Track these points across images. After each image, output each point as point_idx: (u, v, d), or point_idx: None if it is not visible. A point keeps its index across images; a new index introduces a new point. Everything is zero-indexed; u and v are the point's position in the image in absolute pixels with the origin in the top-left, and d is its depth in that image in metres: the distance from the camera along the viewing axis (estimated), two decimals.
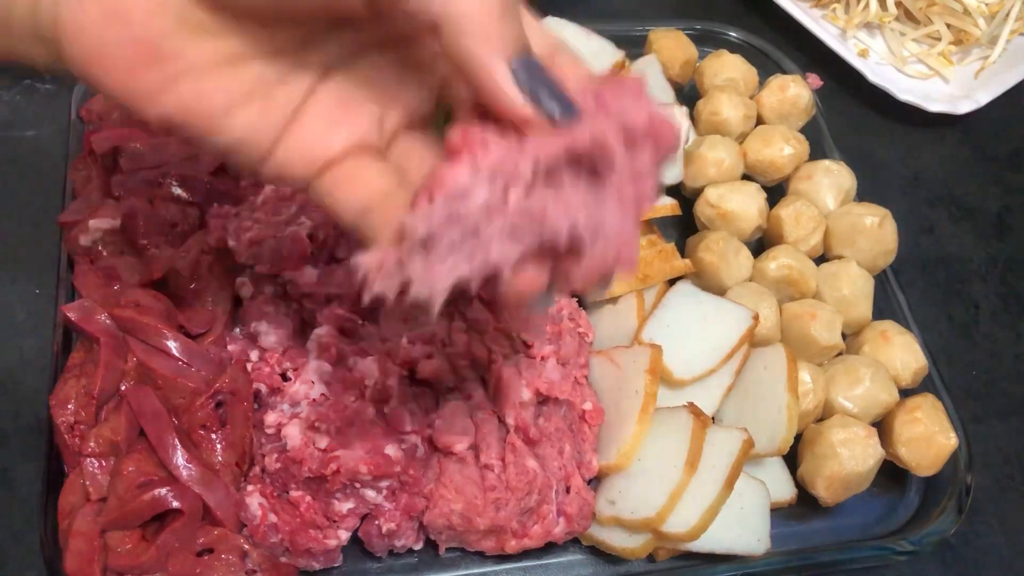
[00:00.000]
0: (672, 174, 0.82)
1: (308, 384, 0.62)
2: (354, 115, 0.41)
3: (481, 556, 0.64)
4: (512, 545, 0.62)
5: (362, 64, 0.42)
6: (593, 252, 0.37)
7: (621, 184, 0.37)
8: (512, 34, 0.34)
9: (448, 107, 0.43)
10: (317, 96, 0.41)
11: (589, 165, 0.36)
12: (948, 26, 1.02)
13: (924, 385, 0.74)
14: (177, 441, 0.59)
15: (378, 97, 0.42)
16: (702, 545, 0.63)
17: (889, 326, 0.75)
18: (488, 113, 0.36)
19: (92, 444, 0.59)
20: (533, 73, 0.34)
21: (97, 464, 0.59)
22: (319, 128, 0.41)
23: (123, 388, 0.62)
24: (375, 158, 0.41)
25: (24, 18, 0.38)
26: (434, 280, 0.35)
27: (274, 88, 0.40)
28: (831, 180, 0.82)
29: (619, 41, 0.90)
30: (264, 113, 0.40)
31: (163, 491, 0.57)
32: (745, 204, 0.78)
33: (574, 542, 0.66)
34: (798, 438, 0.69)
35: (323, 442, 0.59)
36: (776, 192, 0.84)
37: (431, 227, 0.34)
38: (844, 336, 0.75)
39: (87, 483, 0.58)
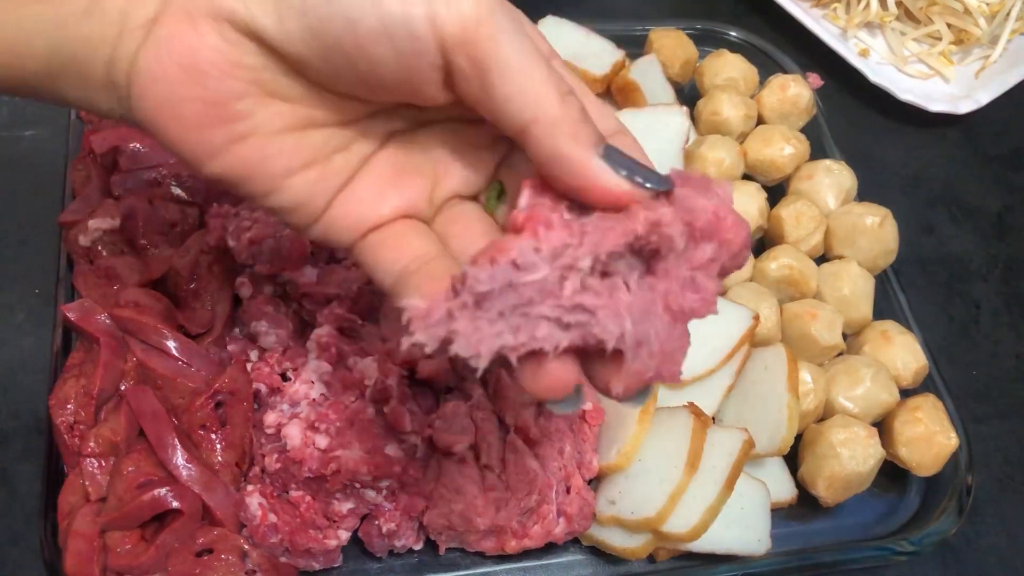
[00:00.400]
0: None
1: (308, 384, 0.62)
2: (406, 184, 0.42)
3: (481, 556, 0.64)
4: (512, 545, 0.62)
5: (421, 135, 0.42)
6: (633, 364, 0.36)
7: (674, 288, 0.37)
8: (592, 130, 0.36)
9: (501, 185, 0.43)
10: (373, 163, 0.41)
11: (648, 254, 0.36)
12: (949, 26, 1.02)
13: (925, 385, 0.74)
14: (177, 441, 0.59)
15: (432, 168, 0.42)
16: (702, 545, 0.63)
17: (890, 326, 0.75)
18: (547, 194, 0.37)
19: (92, 444, 0.59)
20: (616, 158, 0.36)
21: (96, 464, 0.59)
22: (370, 195, 0.41)
23: (123, 388, 0.62)
24: (420, 226, 0.42)
25: (100, 69, 0.38)
26: (480, 341, 0.34)
27: (334, 154, 0.40)
28: (832, 180, 0.82)
29: (619, 41, 0.90)
30: (321, 179, 0.40)
31: (163, 491, 0.56)
32: (745, 204, 0.78)
33: (574, 542, 0.66)
34: (798, 438, 0.69)
35: (323, 442, 0.59)
36: (776, 192, 0.84)
37: (492, 285, 0.33)
38: (845, 336, 0.75)
39: (86, 483, 0.58)
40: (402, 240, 0.41)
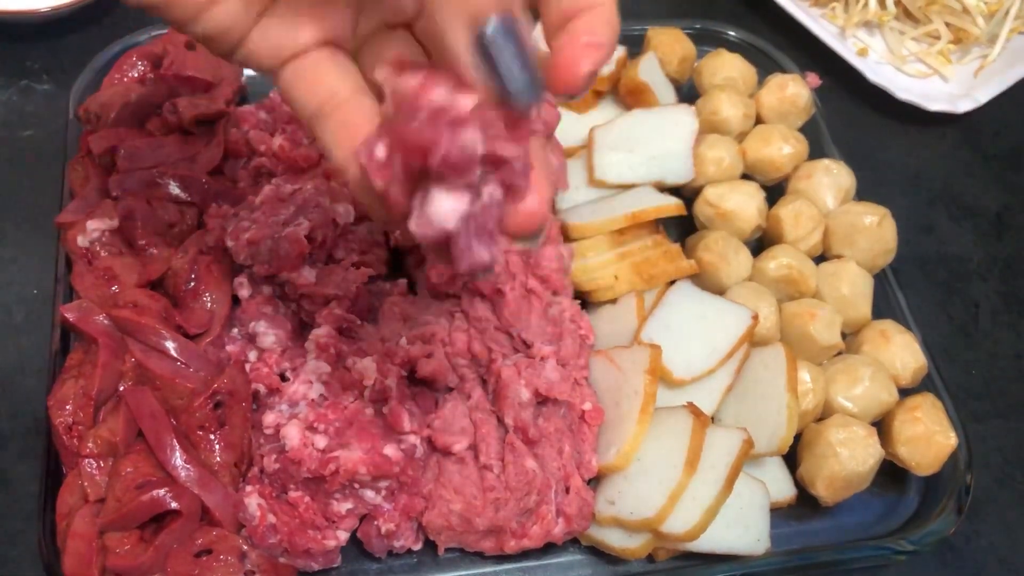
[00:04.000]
0: (680, 172, 0.82)
1: (307, 384, 0.62)
2: (326, 13, 0.42)
3: (480, 556, 0.64)
4: (511, 545, 0.62)
5: None
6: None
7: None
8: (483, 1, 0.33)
9: None
10: None
11: None
12: (947, 25, 1.02)
13: (924, 384, 0.74)
14: (175, 442, 0.59)
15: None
16: (702, 545, 0.63)
17: (889, 325, 0.75)
18: None
19: (90, 445, 0.59)
20: (503, 42, 0.33)
21: (95, 465, 0.59)
22: (288, 21, 0.42)
23: (121, 389, 0.61)
24: (339, 57, 0.43)
25: None
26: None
27: None
28: (830, 179, 0.82)
29: (618, 40, 0.89)
30: (243, 6, 0.41)
31: (161, 492, 0.56)
32: (744, 203, 0.78)
33: (573, 542, 0.66)
34: (798, 438, 0.69)
35: (322, 442, 0.59)
36: (775, 191, 0.84)
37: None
38: (844, 335, 0.75)
39: (85, 484, 0.58)
40: (318, 73, 0.42)
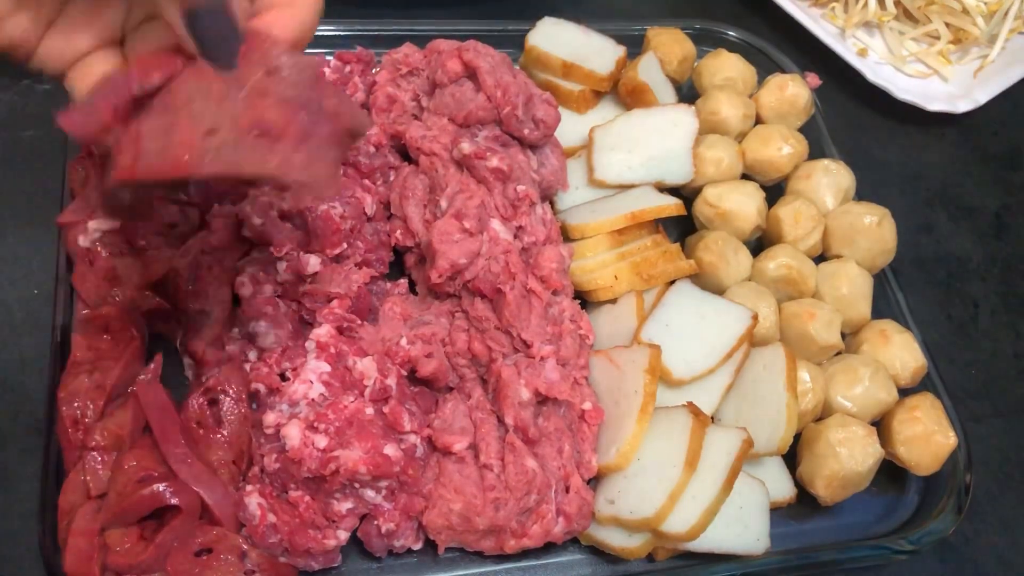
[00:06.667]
0: (680, 173, 0.82)
1: (307, 384, 0.62)
2: (99, 19, 0.49)
3: (480, 556, 0.64)
4: (511, 545, 0.62)
5: None
6: None
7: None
8: None
9: None
10: (72, 4, 0.49)
11: None
12: (947, 25, 1.02)
13: (923, 384, 0.74)
14: (181, 438, 0.59)
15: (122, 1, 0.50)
16: (701, 545, 0.63)
17: (888, 325, 0.75)
18: None
19: (97, 437, 0.59)
20: (213, 22, 0.45)
21: (99, 459, 0.59)
22: (68, 33, 0.49)
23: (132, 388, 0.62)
24: (112, 52, 0.51)
25: None
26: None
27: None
28: (830, 179, 0.82)
29: (619, 40, 0.90)
30: (31, 23, 0.47)
31: (161, 487, 0.57)
32: (743, 203, 0.78)
33: (573, 542, 0.66)
34: (797, 437, 0.69)
35: (322, 442, 0.59)
36: (775, 191, 0.84)
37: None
38: (843, 335, 0.75)
39: (88, 479, 0.58)
40: (93, 68, 0.49)
